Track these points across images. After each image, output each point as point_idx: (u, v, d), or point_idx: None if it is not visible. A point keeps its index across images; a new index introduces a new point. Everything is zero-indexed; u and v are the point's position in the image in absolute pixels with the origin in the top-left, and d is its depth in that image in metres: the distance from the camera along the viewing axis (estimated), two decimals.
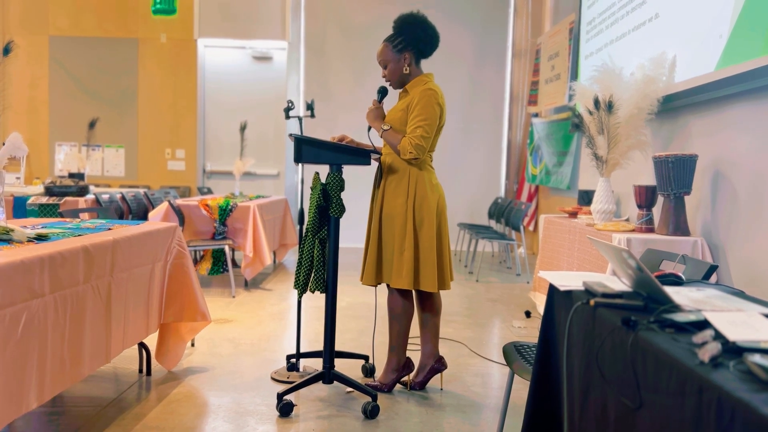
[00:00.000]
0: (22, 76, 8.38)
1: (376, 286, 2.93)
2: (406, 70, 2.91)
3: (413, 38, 2.89)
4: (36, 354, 1.97)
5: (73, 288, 2.19)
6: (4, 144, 2.44)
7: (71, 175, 6.22)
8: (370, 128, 2.99)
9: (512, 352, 2.24)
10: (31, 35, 8.39)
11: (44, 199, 5.18)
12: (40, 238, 2.33)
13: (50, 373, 2.06)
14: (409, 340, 3.02)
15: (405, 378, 3.04)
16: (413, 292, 2.97)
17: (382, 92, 2.98)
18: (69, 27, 8.47)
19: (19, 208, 5.16)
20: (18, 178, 6.62)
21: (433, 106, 2.81)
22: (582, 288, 1.63)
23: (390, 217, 2.86)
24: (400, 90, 2.98)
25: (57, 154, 8.56)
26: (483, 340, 3.97)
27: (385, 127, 2.88)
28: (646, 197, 3.34)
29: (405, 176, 2.86)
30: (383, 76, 2.96)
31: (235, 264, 5.84)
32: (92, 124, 6.76)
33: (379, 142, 3.04)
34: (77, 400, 2.77)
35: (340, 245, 2.87)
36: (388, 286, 2.94)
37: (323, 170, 2.81)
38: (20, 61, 8.27)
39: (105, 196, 5.45)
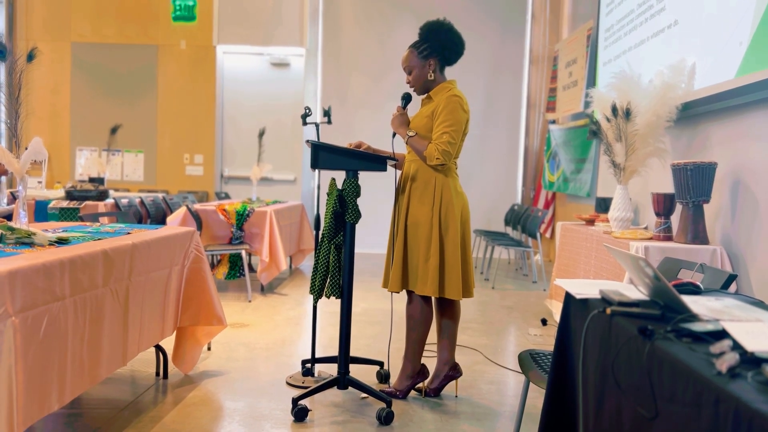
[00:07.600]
0: (45, 82, 8.52)
1: (399, 292, 2.91)
2: (430, 76, 2.92)
3: (439, 45, 2.89)
4: (57, 356, 2.00)
5: (93, 291, 2.21)
6: (26, 149, 2.48)
7: (91, 180, 6.30)
8: (394, 134, 3.00)
9: (528, 360, 2.23)
10: (53, 42, 8.53)
11: (65, 203, 5.24)
12: (61, 241, 2.36)
13: (70, 374, 2.08)
14: (425, 347, 3.02)
15: (420, 385, 3.04)
16: (432, 299, 2.97)
17: (407, 98, 2.98)
18: (91, 34, 8.61)
19: (41, 211, 5.23)
20: (39, 182, 6.72)
21: (459, 112, 2.82)
22: (598, 296, 1.62)
23: (415, 225, 2.86)
24: (423, 97, 2.99)
25: (78, 158, 8.69)
26: (498, 348, 3.95)
27: (411, 134, 2.88)
28: (664, 205, 3.31)
29: (431, 183, 2.85)
30: (407, 82, 2.97)
31: (251, 269, 5.87)
32: (114, 130, 6.84)
33: (399, 149, 3.04)
34: (95, 402, 2.81)
35: (356, 251, 2.88)
36: (408, 292, 2.93)
37: (339, 176, 2.83)
38: (43, 68, 8.40)
39: (124, 201, 5.51)
